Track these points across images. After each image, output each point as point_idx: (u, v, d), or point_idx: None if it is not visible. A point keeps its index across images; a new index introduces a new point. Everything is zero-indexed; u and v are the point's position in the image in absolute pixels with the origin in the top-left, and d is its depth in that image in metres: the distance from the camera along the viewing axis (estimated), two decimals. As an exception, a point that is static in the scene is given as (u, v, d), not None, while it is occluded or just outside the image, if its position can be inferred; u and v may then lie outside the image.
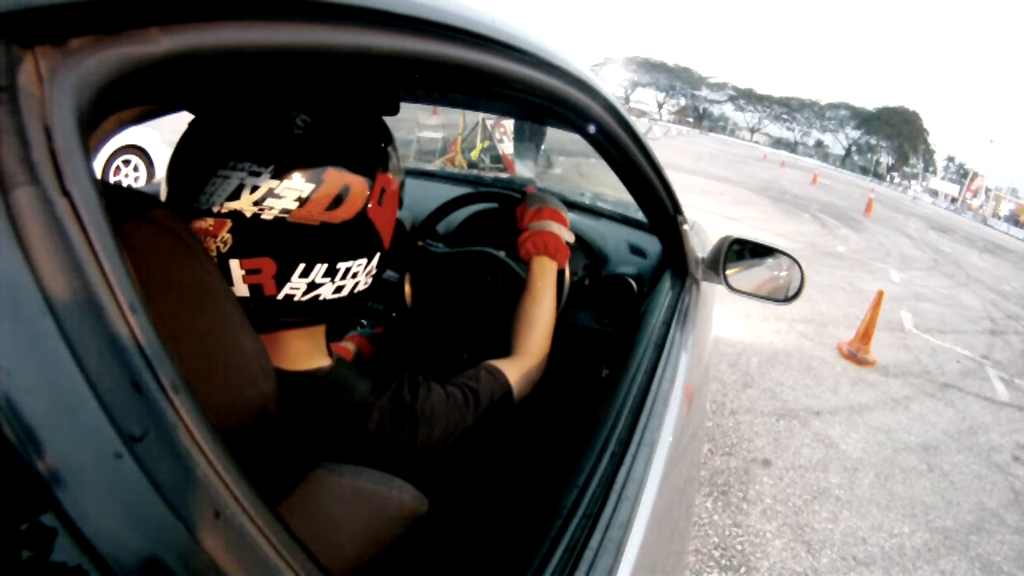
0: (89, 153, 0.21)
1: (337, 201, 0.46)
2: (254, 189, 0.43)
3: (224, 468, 0.21)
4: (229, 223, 0.43)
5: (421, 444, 0.54)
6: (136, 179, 3.84)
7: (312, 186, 0.45)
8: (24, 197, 0.18)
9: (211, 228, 0.43)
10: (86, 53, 0.21)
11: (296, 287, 0.47)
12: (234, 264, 0.44)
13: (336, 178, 0.46)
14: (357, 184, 0.47)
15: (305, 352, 0.53)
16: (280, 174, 0.43)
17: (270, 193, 0.43)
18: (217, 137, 0.44)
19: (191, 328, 0.34)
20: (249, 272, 0.45)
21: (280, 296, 0.47)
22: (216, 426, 0.22)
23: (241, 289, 0.45)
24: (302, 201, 0.44)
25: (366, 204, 0.48)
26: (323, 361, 0.54)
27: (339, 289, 0.50)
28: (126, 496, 0.18)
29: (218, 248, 0.44)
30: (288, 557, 0.23)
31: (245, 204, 0.43)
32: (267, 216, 0.44)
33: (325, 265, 0.47)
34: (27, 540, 0.17)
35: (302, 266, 0.46)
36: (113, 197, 0.34)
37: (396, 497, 0.46)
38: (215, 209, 0.43)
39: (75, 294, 0.18)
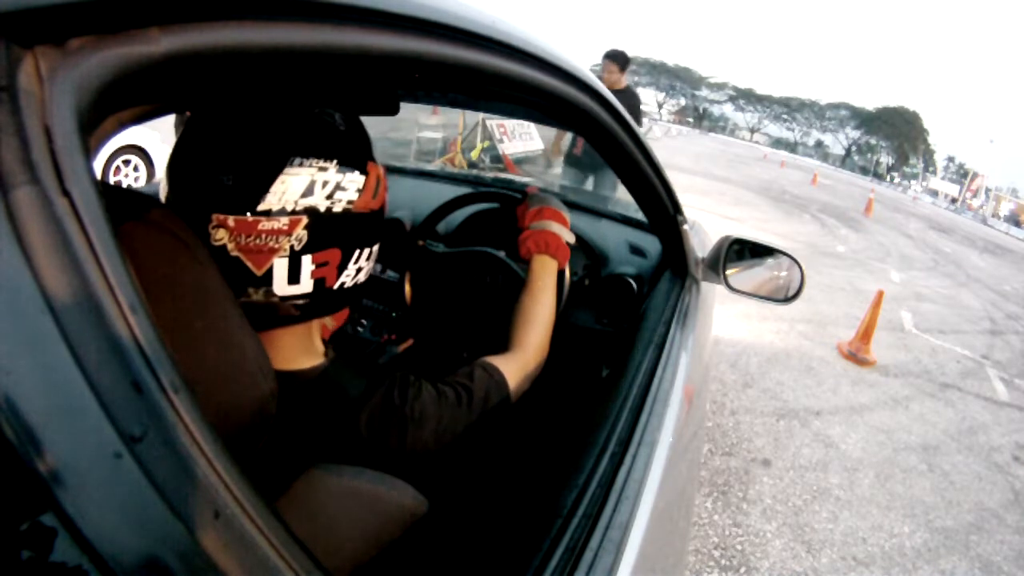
0: (89, 153, 0.21)
1: (376, 189, 0.50)
2: (324, 184, 0.45)
3: (224, 468, 0.21)
4: (305, 219, 0.45)
5: (411, 447, 0.53)
6: (136, 179, 3.84)
7: (363, 177, 0.48)
8: (24, 197, 0.18)
9: (285, 228, 0.44)
10: (86, 53, 0.21)
11: (349, 274, 0.50)
12: (306, 260, 0.46)
13: (373, 169, 0.50)
14: (383, 173, 0.52)
15: (296, 351, 0.52)
16: (342, 168, 0.46)
17: (338, 186, 0.46)
18: (274, 137, 0.44)
19: (191, 328, 0.34)
20: (318, 265, 0.47)
21: (336, 286, 0.49)
22: (216, 426, 0.22)
23: (305, 285, 0.47)
24: (360, 191, 0.48)
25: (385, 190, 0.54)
26: (315, 360, 0.53)
27: (368, 272, 0.53)
28: (126, 496, 0.18)
29: (292, 247, 0.45)
30: (288, 557, 0.23)
31: (319, 199, 0.45)
32: (337, 208, 0.46)
33: (368, 249, 0.51)
34: (27, 540, 0.17)
35: (357, 252, 0.50)
36: (113, 197, 0.34)
37: (395, 498, 0.46)
38: (289, 208, 0.44)
39: (75, 294, 0.18)
